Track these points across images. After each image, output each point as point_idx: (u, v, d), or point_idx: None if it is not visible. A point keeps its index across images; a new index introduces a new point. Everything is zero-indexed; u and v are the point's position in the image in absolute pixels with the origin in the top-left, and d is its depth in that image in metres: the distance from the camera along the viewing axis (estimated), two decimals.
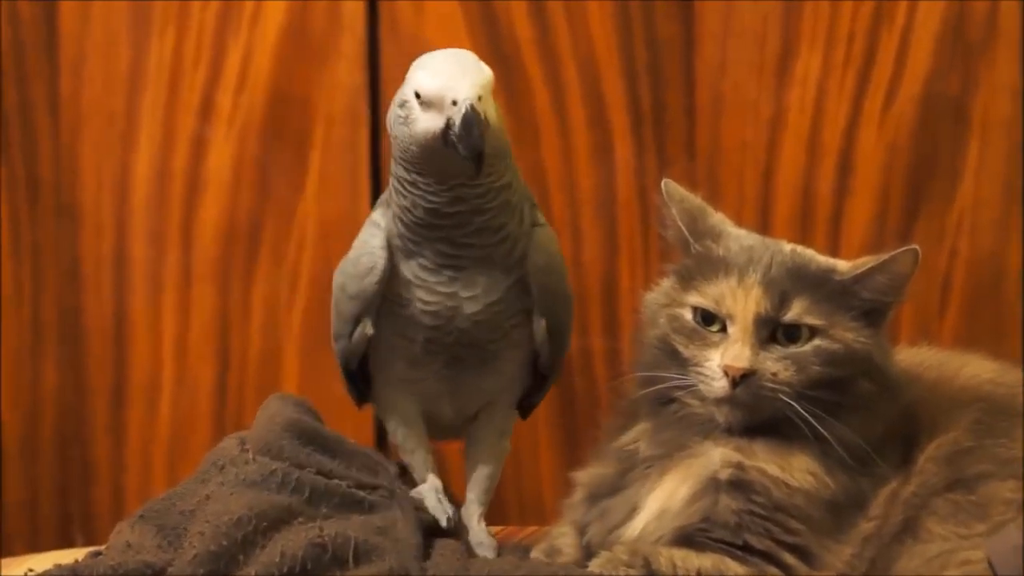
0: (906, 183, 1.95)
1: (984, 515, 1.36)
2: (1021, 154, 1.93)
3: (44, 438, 2.07)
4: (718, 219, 1.48)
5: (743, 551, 1.37)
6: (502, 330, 1.50)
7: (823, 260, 1.44)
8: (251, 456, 1.45)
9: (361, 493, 1.45)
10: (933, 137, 1.95)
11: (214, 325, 2.04)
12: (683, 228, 1.45)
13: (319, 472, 1.45)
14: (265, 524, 1.35)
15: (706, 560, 1.37)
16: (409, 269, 1.48)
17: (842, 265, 1.43)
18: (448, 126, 1.40)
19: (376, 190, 2.01)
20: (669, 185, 1.47)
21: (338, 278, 1.54)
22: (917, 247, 1.40)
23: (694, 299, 1.43)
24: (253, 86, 2.02)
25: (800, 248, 1.45)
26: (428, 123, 1.42)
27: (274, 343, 2.04)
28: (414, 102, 1.42)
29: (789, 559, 1.37)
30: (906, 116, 1.95)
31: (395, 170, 1.47)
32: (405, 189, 1.46)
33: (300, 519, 1.38)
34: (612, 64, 1.98)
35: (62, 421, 2.07)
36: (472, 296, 1.48)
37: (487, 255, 1.47)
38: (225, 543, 1.32)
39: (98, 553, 1.41)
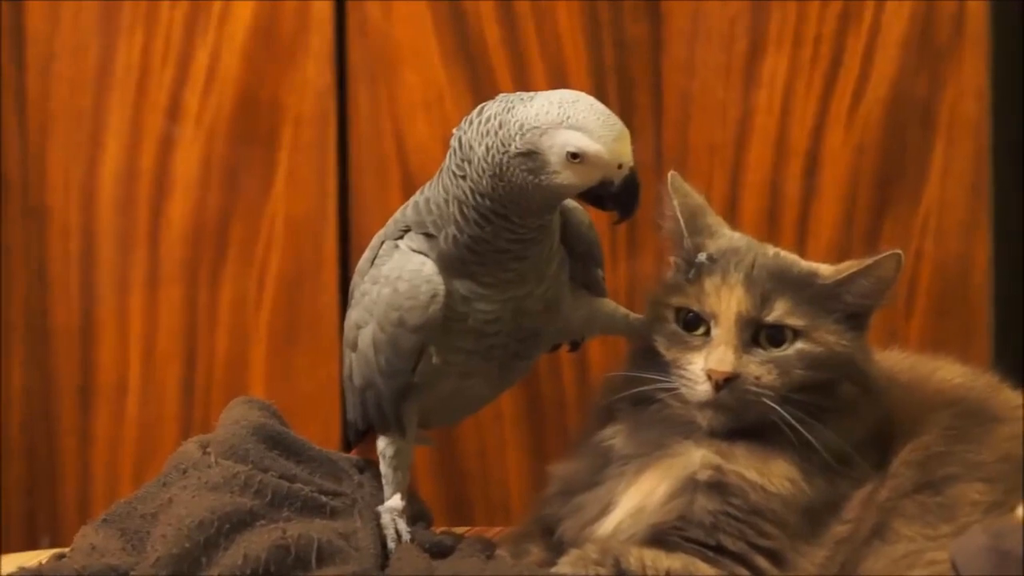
0: (873, 184, 1.96)
1: (951, 517, 1.37)
2: (987, 156, 1.94)
3: (11, 438, 2.06)
4: (715, 220, 1.48)
5: (716, 552, 1.37)
6: (554, 310, 1.48)
7: (806, 264, 1.44)
8: (213, 459, 1.45)
9: (323, 499, 1.45)
10: (900, 138, 1.95)
11: (181, 326, 2.04)
12: (681, 221, 1.45)
13: (282, 476, 1.44)
14: (228, 526, 1.34)
15: (676, 561, 1.36)
16: (464, 286, 1.44)
17: (825, 269, 1.43)
18: (603, 184, 1.38)
19: (343, 190, 2.01)
20: (675, 179, 1.47)
21: (391, 314, 1.44)
22: (900, 252, 1.41)
23: (677, 300, 1.43)
24: (221, 86, 2.02)
25: (784, 252, 1.45)
26: (573, 179, 1.37)
27: (241, 344, 2.03)
28: (558, 158, 1.37)
29: (761, 563, 1.37)
30: (873, 117, 1.95)
31: (476, 203, 1.41)
32: (488, 222, 1.41)
33: (262, 521, 1.38)
34: (580, 64, 1.98)
35: (29, 422, 2.06)
36: (527, 292, 1.45)
37: (542, 256, 1.46)
38: (188, 545, 1.32)
39: (62, 555, 1.41)
